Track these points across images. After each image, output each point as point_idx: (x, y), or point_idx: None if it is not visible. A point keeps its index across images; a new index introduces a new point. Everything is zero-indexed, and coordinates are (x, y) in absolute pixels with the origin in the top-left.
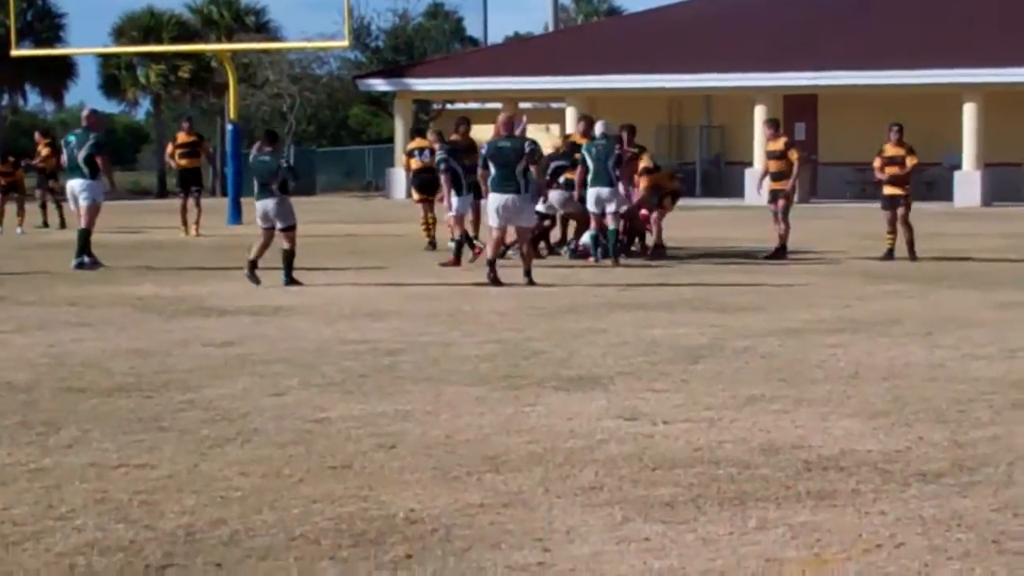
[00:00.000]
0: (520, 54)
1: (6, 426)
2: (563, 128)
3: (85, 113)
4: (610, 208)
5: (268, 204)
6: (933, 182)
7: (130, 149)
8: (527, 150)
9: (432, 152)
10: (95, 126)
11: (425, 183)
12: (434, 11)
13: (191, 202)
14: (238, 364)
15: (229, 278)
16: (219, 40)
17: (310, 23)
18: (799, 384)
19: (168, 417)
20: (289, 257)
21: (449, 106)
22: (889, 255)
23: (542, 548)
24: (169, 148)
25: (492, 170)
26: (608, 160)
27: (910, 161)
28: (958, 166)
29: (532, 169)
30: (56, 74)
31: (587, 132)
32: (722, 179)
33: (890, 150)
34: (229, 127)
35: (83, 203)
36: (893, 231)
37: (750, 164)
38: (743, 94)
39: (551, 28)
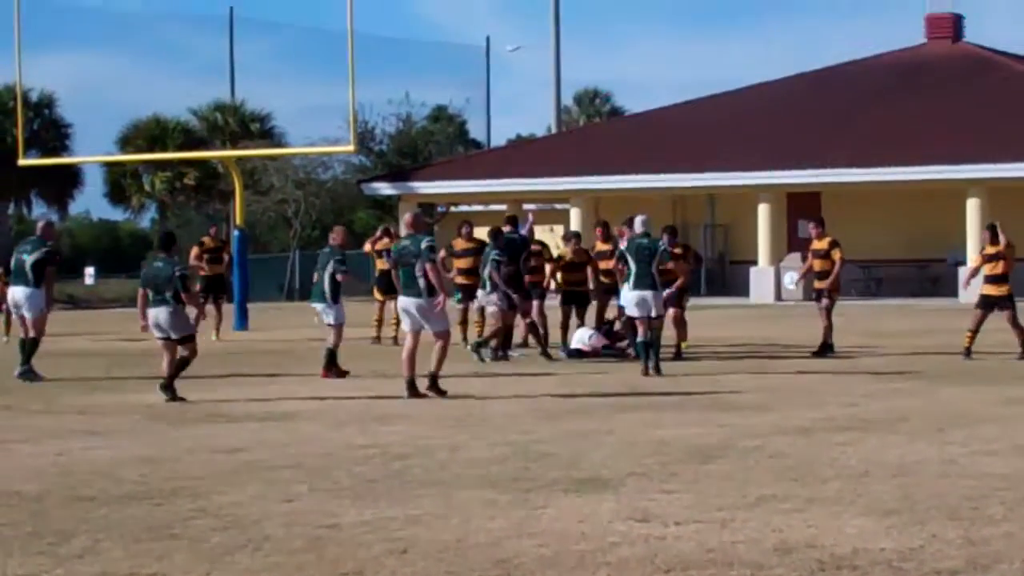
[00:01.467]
0: (523, 156)
1: (17, 536)
2: (566, 228)
3: (40, 224)
4: (652, 312)
5: (160, 313)
6: (938, 278)
7: (135, 256)
8: (423, 247)
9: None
10: (49, 236)
11: (389, 283)
12: (437, 115)
13: (211, 308)
14: (247, 470)
15: (236, 384)
16: (224, 147)
17: (314, 128)
18: (810, 483)
19: (178, 525)
20: (182, 364)
21: (454, 208)
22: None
23: None
24: (195, 252)
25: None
26: (652, 261)
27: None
28: (963, 262)
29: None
30: (62, 183)
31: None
32: (727, 278)
33: (815, 244)
34: (235, 233)
35: (27, 314)
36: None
37: (754, 263)
38: (746, 192)
39: (554, 130)
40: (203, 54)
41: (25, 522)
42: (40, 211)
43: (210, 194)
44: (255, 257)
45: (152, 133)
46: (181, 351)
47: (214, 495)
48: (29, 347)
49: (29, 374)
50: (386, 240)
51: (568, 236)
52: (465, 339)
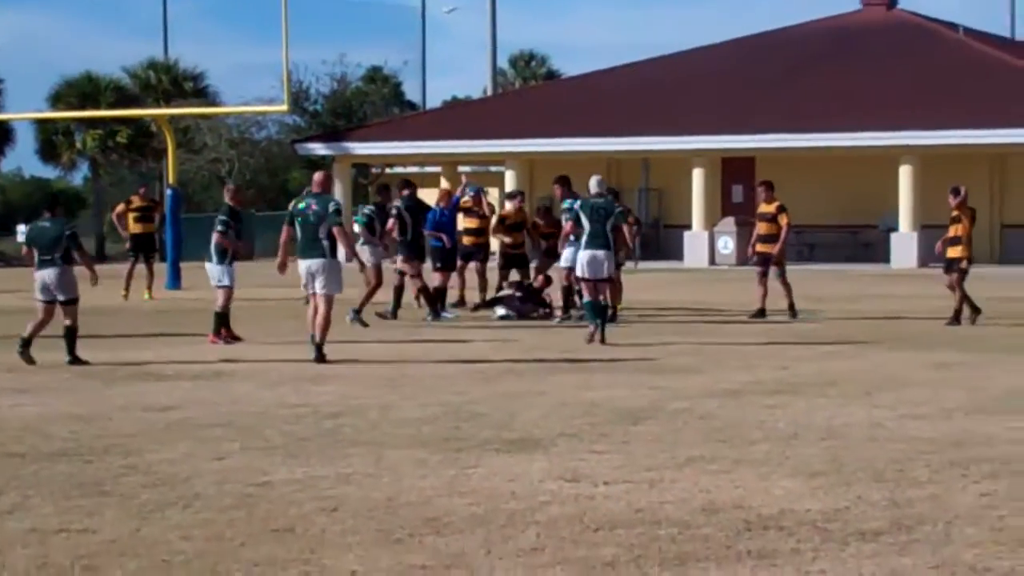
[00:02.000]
0: (459, 118)
1: None
2: (502, 191)
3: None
4: (603, 273)
5: (48, 274)
6: (870, 244)
7: (67, 214)
8: (330, 209)
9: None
10: None
11: None
12: (373, 76)
13: (141, 268)
14: (179, 428)
15: (168, 343)
16: (157, 105)
17: (249, 88)
18: (738, 445)
19: (109, 482)
20: (72, 333)
21: (388, 170)
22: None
23: None
24: (120, 207)
25: (298, 233)
26: (608, 221)
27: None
28: (895, 228)
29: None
30: None
31: (565, 194)
32: (661, 242)
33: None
34: (168, 192)
35: None
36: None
37: (688, 227)
38: (681, 157)
39: (490, 92)
40: (137, 12)
41: None
42: None
43: (143, 152)
44: (189, 216)
45: (84, 90)
46: (64, 317)
47: (145, 453)
48: None
49: None
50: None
51: (512, 195)
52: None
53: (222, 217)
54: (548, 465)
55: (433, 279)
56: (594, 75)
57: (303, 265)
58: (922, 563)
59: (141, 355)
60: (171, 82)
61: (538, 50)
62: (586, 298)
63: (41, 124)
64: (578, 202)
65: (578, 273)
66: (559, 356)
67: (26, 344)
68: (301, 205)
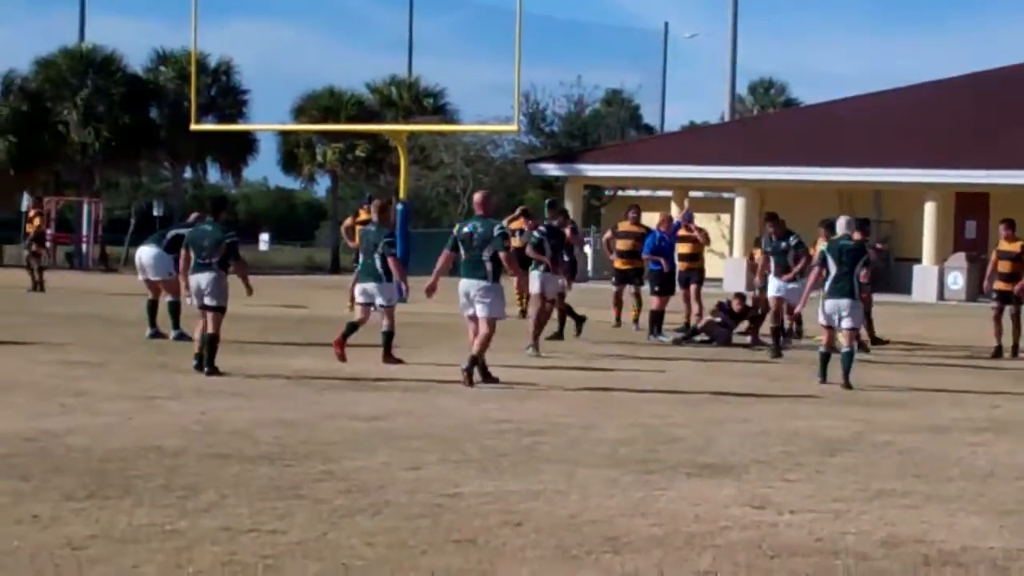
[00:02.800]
0: (692, 143)
1: (149, 488)
2: (732, 219)
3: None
4: (846, 324)
5: (203, 278)
6: None
7: (309, 225)
8: (495, 233)
9: (523, 233)
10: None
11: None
12: (611, 98)
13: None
14: (381, 438)
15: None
16: (396, 121)
17: (488, 106)
18: (932, 480)
19: (305, 486)
20: (212, 342)
21: (621, 192)
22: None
23: None
24: (348, 222)
25: (461, 254)
26: (855, 266)
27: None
28: None
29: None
30: (237, 150)
31: (778, 233)
32: (890, 275)
33: (1003, 245)
34: (399, 206)
35: (153, 276)
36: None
37: (918, 260)
38: (913, 190)
39: (727, 118)
40: (383, 29)
41: (159, 475)
42: (215, 177)
43: (380, 167)
44: (424, 231)
45: (326, 104)
46: (208, 324)
47: (344, 460)
48: (170, 310)
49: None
50: (519, 221)
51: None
52: (618, 321)
53: (389, 239)
54: (736, 491)
55: (652, 303)
56: (830, 104)
57: (464, 286)
58: None
59: (356, 365)
60: (412, 99)
61: (777, 77)
62: (822, 348)
63: (284, 136)
64: (823, 243)
65: (820, 320)
66: (767, 384)
67: (200, 358)
68: (466, 228)
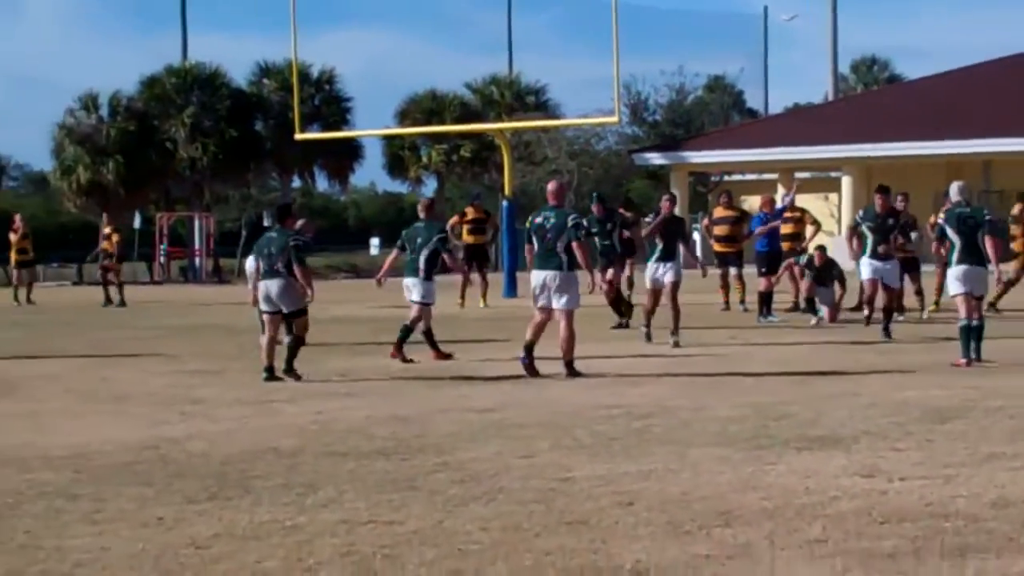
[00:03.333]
0: (796, 124)
1: (268, 487)
2: (840, 197)
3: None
4: (980, 290)
5: (272, 285)
6: None
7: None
8: (569, 224)
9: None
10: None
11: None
12: (713, 85)
13: (476, 276)
14: (494, 429)
15: (499, 348)
16: (499, 119)
17: (589, 100)
18: None
19: (421, 478)
20: (295, 344)
21: (727, 177)
22: None
23: None
24: (454, 220)
25: (535, 245)
26: (979, 232)
27: None
28: None
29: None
30: (343, 157)
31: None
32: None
33: None
34: (504, 203)
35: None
36: None
37: None
38: (1022, 159)
39: (830, 98)
40: (482, 29)
41: (278, 474)
42: (323, 185)
43: (486, 165)
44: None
45: (429, 107)
46: (295, 328)
47: (458, 451)
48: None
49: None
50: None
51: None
52: (727, 304)
53: (441, 236)
54: (846, 462)
55: (759, 284)
56: (933, 78)
57: (537, 277)
58: None
59: (469, 359)
60: (513, 97)
61: (880, 54)
62: (962, 319)
63: (389, 140)
64: (942, 215)
65: (952, 291)
66: (877, 359)
67: (270, 370)
68: (539, 220)
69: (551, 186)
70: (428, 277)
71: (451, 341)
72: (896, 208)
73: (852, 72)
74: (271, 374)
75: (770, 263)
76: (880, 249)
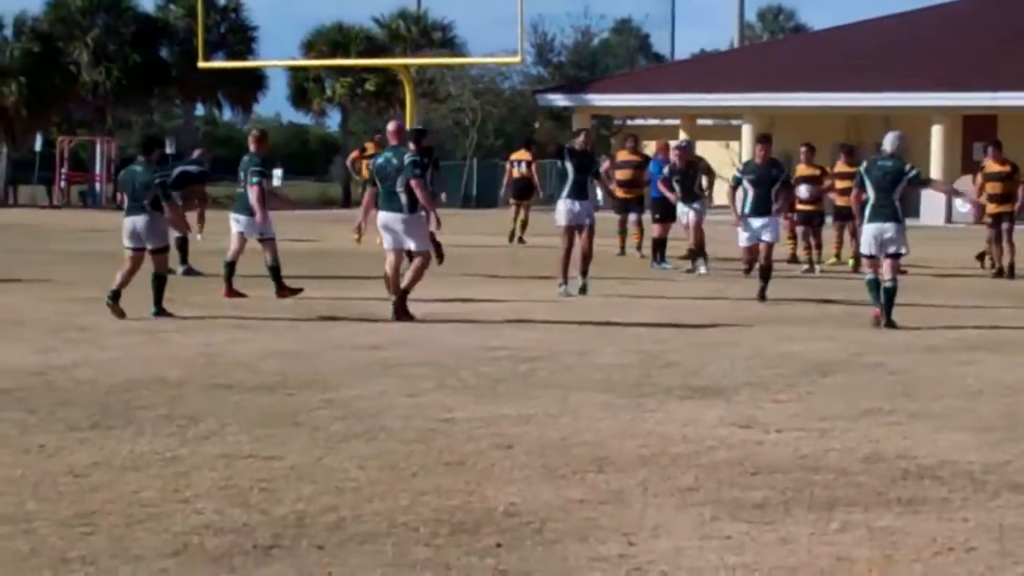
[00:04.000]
0: (700, 71)
1: (150, 418)
2: (740, 146)
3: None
4: (891, 250)
5: (137, 221)
6: None
7: (322, 160)
8: (406, 161)
9: (527, 164)
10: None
11: (520, 190)
12: (620, 28)
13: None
14: (381, 367)
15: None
16: (405, 55)
17: (496, 40)
18: (920, 399)
19: (304, 414)
20: (159, 282)
21: (630, 122)
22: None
23: (627, 542)
24: (354, 154)
25: (378, 186)
26: (895, 188)
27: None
28: None
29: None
30: (247, 86)
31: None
32: None
33: (991, 166)
34: None
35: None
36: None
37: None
38: (921, 114)
39: (736, 45)
40: None
41: (162, 406)
42: (228, 114)
43: (390, 100)
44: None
45: (335, 39)
46: (156, 265)
47: (344, 388)
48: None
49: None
50: (521, 152)
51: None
52: (623, 249)
53: (257, 168)
54: (725, 412)
55: (653, 230)
56: (837, 30)
57: (382, 219)
58: None
59: (364, 296)
60: (420, 32)
61: (786, 4)
62: (869, 275)
63: (294, 72)
64: (863, 165)
65: (863, 250)
66: (766, 311)
67: (115, 296)
68: (380, 161)
69: (391, 126)
70: (251, 213)
71: (347, 277)
72: (777, 160)
73: (759, 20)
74: (115, 299)
75: (664, 210)
76: (770, 207)
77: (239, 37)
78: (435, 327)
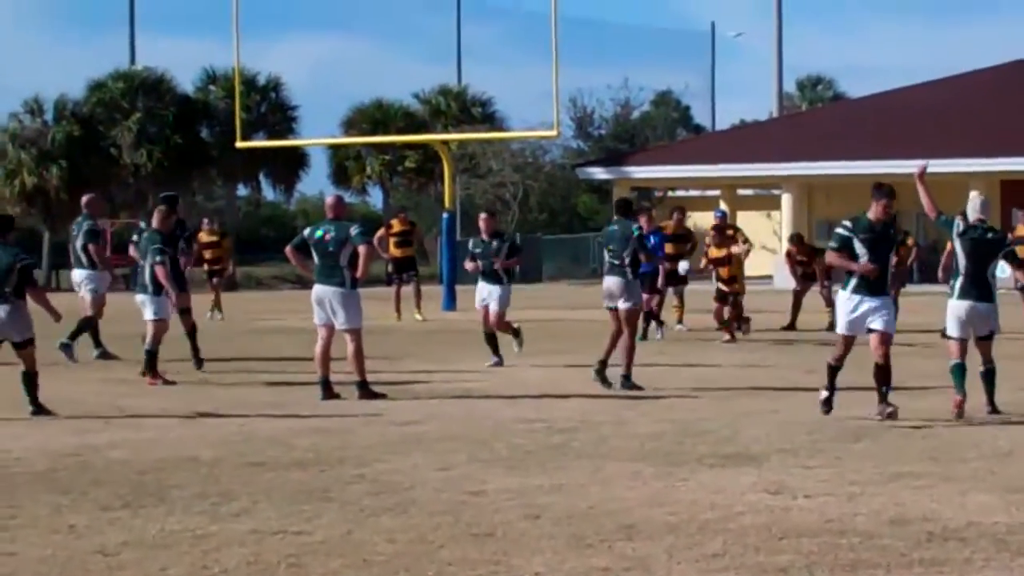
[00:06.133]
0: (739, 141)
1: (183, 497)
2: (781, 215)
3: (84, 199)
4: (983, 331)
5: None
6: None
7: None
8: (352, 233)
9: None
10: (94, 212)
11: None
12: (660, 100)
13: (409, 288)
14: (414, 441)
15: (431, 360)
16: (446, 131)
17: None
18: (949, 462)
19: (336, 489)
20: (28, 380)
21: (671, 193)
22: None
23: None
24: (380, 232)
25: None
26: (990, 261)
27: None
28: None
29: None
30: (288, 165)
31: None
32: (937, 265)
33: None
34: (444, 216)
35: (86, 294)
36: None
37: None
38: (958, 179)
39: (775, 115)
40: (432, 38)
41: (195, 484)
42: (269, 193)
43: (431, 176)
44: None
45: (375, 117)
46: (24, 362)
47: (376, 463)
48: (81, 325)
49: (68, 348)
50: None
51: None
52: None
53: (157, 246)
54: (756, 479)
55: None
56: (874, 97)
57: (318, 292)
58: None
59: (396, 372)
60: (460, 108)
61: (826, 73)
62: (955, 359)
63: (335, 150)
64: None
65: (949, 331)
66: (801, 377)
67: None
68: (318, 232)
69: (329, 200)
70: (157, 292)
71: (379, 354)
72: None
73: (798, 90)
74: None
75: (650, 281)
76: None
77: (279, 116)
78: (471, 401)
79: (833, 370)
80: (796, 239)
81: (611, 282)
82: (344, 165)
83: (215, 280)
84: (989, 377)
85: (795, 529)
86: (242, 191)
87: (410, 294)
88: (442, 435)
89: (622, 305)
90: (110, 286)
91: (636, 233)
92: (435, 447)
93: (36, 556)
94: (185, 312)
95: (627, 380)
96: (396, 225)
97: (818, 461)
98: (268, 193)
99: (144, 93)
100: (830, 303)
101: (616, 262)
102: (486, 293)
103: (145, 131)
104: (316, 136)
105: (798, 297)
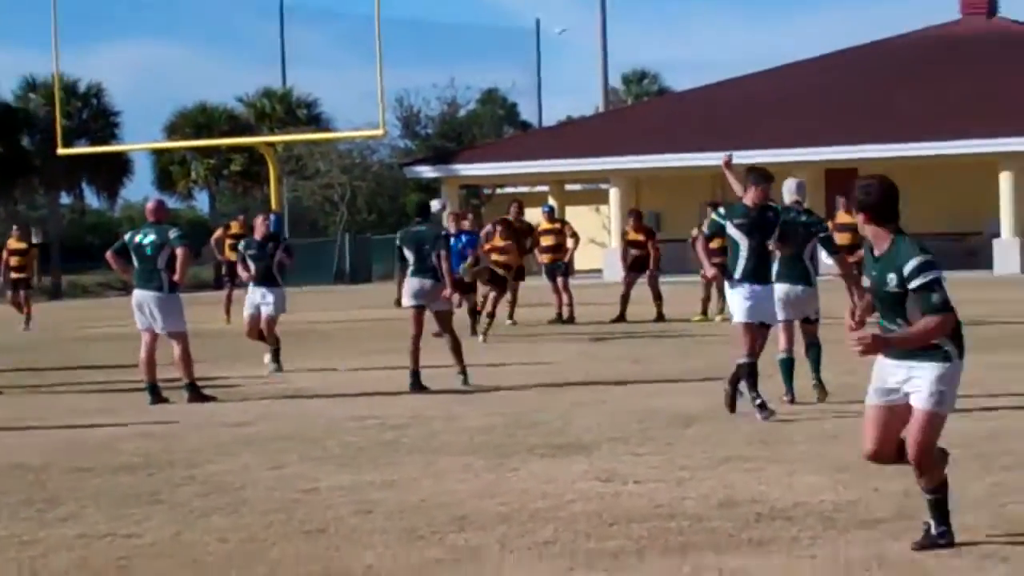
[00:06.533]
0: (565, 137)
1: (9, 503)
2: (609, 209)
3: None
4: (800, 315)
5: None
6: (974, 251)
7: (196, 243)
8: (171, 236)
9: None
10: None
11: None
12: (487, 98)
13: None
14: (246, 442)
15: (260, 363)
16: (272, 133)
17: (364, 114)
18: (778, 445)
19: (165, 491)
20: None
21: (499, 190)
22: None
23: None
24: (218, 233)
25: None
26: (807, 244)
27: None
28: (998, 234)
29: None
30: (111, 173)
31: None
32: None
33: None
34: (272, 217)
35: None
36: None
37: None
38: (784, 169)
39: (601, 110)
40: (257, 42)
41: (21, 491)
42: (93, 201)
43: (257, 179)
44: (308, 241)
45: (198, 121)
46: None
47: (207, 464)
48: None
49: None
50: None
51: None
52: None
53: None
54: (587, 467)
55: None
56: (698, 91)
57: (138, 297)
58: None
59: (227, 374)
60: (285, 110)
61: (651, 68)
62: (782, 353)
63: (158, 155)
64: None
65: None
66: (634, 368)
67: None
68: (138, 236)
69: (149, 205)
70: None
71: (209, 356)
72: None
73: (623, 84)
74: None
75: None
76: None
77: (102, 123)
78: (302, 401)
79: (749, 367)
80: (635, 216)
81: (424, 283)
82: (169, 170)
83: (23, 292)
84: (815, 353)
85: (625, 515)
86: (65, 199)
87: (241, 296)
88: (274, 435)
89: (433, 307)
90: None
91: (444, 234)
92: (267, 447)
93: None
94: None
95: (466, 378)
96: (235, 227)
97: (648, 448)
98: (92, 200)
99: None
100: (658, 295)
101: (427, 263)
102: (259, 297)
103: None
104: (139, 141)
105: (627, 289)
